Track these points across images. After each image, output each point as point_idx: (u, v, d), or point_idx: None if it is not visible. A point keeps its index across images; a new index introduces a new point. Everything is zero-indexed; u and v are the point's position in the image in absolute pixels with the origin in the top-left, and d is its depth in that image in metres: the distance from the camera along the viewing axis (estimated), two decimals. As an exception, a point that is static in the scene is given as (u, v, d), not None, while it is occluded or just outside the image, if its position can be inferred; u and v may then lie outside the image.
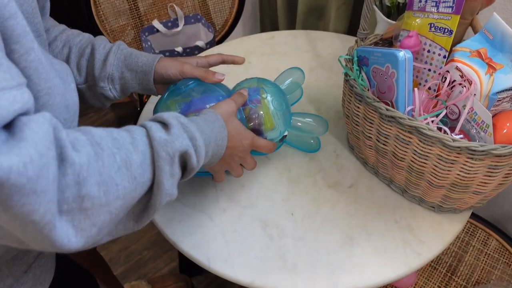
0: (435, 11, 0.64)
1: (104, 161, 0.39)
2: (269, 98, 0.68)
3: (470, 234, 1.04)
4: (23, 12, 0.44)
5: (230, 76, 0.84)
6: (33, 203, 0.32)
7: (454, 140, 0.54)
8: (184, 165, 0.49)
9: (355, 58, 0.67)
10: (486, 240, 1.02)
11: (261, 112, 0.67)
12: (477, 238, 1.03)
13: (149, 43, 1.25)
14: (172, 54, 1.23)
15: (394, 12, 0.84)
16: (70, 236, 0.36)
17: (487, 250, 1.01)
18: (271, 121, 0.67)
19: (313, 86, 0.94)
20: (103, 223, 0.39)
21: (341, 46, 1.04)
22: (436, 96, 0.64)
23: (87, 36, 0.67)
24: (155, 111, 0.68)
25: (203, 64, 0.70)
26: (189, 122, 0.49)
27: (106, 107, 0.72)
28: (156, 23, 1.28)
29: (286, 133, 0.71)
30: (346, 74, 0.67)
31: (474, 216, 1.04)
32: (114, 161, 0.40)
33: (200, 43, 1.24)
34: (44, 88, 0.42)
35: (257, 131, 0.66)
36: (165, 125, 0.47)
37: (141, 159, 0.43)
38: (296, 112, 0.74)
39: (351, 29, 1.16)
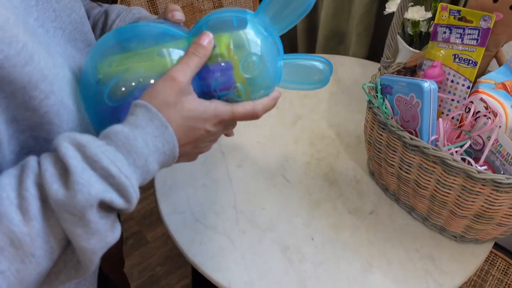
0: (460, 42, 0.65)
1: None
2: (246, 65, 0.45)
3: (490, 263, 1.02)
4: (72, 22, 0.44)
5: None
6: None
7: (479, 172, 0.54)
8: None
9: (379, 86, 0.68)
10: (507, 269, 1.01)
11: (237, 85, 0.45)
12: (497, 268, 1.01)
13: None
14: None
15: (416, 41, 0.85)
16: None
17: (508, 280, 0.99)
18: (252, 88, 0.46)
19: (334, 110, 0.94)
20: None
21: (362, 71, 1.05)
22: (460, 126, 0.65)
23: (105, 7, 0.60)
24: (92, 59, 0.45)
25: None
26: (100, 150, 0.35)
27: None
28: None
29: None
30: (369, 102, 0.68)
31: (494, 245, 1.03)
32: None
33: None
34: (66, 130, 0.40)
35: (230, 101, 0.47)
36: (63, 164, 0.34)
37: (38, 229, 0.33)
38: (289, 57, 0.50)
39: (371, 54, 1.17)
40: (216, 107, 0.44)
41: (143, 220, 1.58)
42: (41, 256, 0.33)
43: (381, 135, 0.67)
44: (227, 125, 0.47)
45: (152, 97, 0.41)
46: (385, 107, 0.66)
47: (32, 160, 0.35)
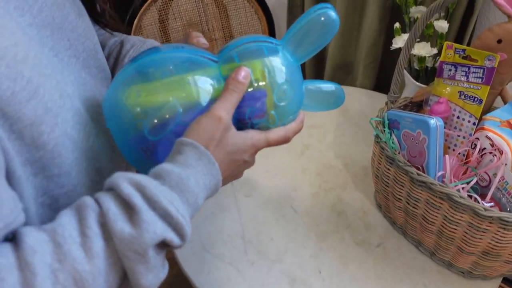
0: (465, 80, 0.67)
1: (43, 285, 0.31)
2: (279, 93, 0.47)
3: (498, 297, 1.01)
4: (85, 50, 0.46)
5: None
6: None
7: (486, 210, 0.55)
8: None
9: (386, 121, 0.69)
10: (515, 304, 0.99)
11: (270, 112, 0.47)
12: (506, 302, 1.00)
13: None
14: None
15: (422, 75, 0.87)
16: None
17: (516, 315, 0.98)
18: (283, 114, 0.48)
19: (341, 141, 0.96)
20: None
21: (369, 102, 1.07)
22: (466, 162, 0.66)
23: (121, 37, 0.63)
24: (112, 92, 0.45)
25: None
26: (157, 190, 0.36)
27: None
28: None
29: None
30: (377, 136, 0.69)
31: (503, 279, 1.02)
32: (56, 282, 0.32)
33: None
34: (72, 160, 0.41)
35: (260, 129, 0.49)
36: (125, 203, 0.35)
37: (100, 268, 0.34)
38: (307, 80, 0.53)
39: (378, 85, 1.19)
40: (253, 137, 0.46)
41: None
42: None
43: (388, 169, 0.68)
44: (253, 159, 0.49)
45: (199, 135, 0.42)
46: (392, 142, 0.68)
47: (88, 200, 0.36)
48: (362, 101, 1.08)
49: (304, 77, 1.50)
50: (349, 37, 1.14)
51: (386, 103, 0.75)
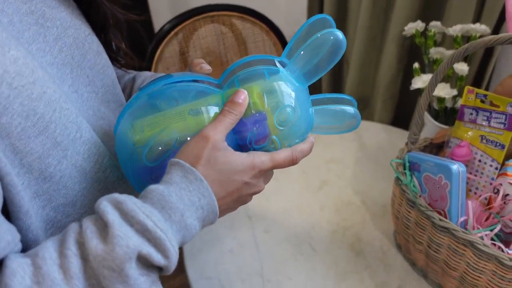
0: (487, 124, 0.67)
1: None
2: (280, 117, 0.46)
3: None
4: (104, 86, 0.49)
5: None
6: None
7: (511, 259, 0.54)
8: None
9: (407, 164, 0.70)
10: None
11: (272, 137, 0.47)
12: None
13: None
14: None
15: (442, 115, 0.88)
16: None
17: None
18: (287, 138, 0.47)
19: (359, 177, 0.96)
20: None
21: (386, 137, 1.08)
22: (489, 208, 0.65)
23: (133, 74, 0.65)
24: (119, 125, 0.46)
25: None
26: (136, 206, 0.36)
27: None
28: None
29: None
30: (397, 178, 0.70)
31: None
32: None
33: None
34: (80, 190, 0.43)
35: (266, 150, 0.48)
36: (102, 221, 0.36)
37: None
38: (315, 99, 0.50)
39: (396, 120, 1.20)
40: (254, 158, 0.44)
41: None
42: None
43: (409, 212, 0.68)
44: (267, 175, 0.47)
45: (186, 155, 0.42)
46: (414, 185, 0.68)
47: (73, 223, 0.37)
48: (380, 137, 1.08)
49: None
50: (367, 73, 1.16)
51: (406, 144, 0.75)
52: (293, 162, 0.47)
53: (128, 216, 0.35)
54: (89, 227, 0.35)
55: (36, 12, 0.41)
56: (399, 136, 1.07)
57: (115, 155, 0.47)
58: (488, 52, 0.93)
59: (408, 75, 1.03)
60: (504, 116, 0.64)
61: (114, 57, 0.57)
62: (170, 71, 1.33)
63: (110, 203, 0.36)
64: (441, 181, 0.63)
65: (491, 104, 0.67)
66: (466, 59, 0.87)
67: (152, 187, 0.39)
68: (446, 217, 0.64)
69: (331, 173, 0.98)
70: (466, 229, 0.62)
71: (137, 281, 0.35)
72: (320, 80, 1.43)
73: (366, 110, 1.24)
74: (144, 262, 0.36)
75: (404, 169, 0.70)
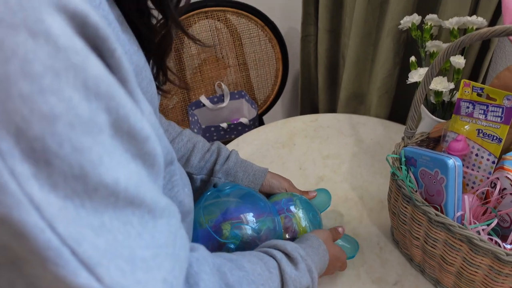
0: (483, 118, 0.66)
1: None
2: (301, 207, 0.71)
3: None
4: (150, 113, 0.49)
5: (275, 158, 0.87)
6: None
7: (507, 254, 0.53)
8: None
9: (403, 158, 0.69)
10: None
11: (296, 221, 0.69)
12: None
13: (195, 117, 1.32)
14: (217, 129, 1.29)
15: (439, 109, 0.87)
16: None
17: None
18: (305, 230, 0.69)
19: (356, 172, 0.95)
20: None
21: (383, 132, 1.07)
22: (486, 202, 0.65)
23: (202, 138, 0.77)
24: None
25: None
26: (306, 254, 0.55)
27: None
28: (203, 99, 1.36)
29: None
30: (393, 174, 0.69)
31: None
32: None
33: (244, 120, 1.30)
34: (186, 184, 0.54)
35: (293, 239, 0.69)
36: (290, 257, 0.53)
37: None
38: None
39: (392, 114, 1.19)
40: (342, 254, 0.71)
41: None
42: None
43: (406, 207, 0.67)
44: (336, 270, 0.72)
45: (317, 233, 0.66)
46: (410, 180, 0.67)
47: (264, 256, 0.53)
48: (377, 132, 1.07)
49: (317, 107, 1.51)
50: (363, 68, 1.15)
51: (403, 138, 0.74)
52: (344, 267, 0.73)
53: (304, 259, 0.55)
54: (283, 258, 0.52)
55: None
56: (396, 131, 1.06)
57: None
58: (485, 45, 0.92)
59: (404, 69, 1.03)
60: (500, 110, 0.64)
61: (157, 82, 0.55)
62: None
63: (293, 247, 0.55)
64: (437, 175, 0.63)
65: (488, 97, 0.66)
66: (463, 52, 0.86)
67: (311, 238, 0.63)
68: (442, 212, 0.63)
69: (327, 168, 0.97)
70: (462, 224, 0.61)
71: None
72: (316, 76, 1.42)
73: (362, 105, 1.24)
74: None
75: (400, 164, 0.69)
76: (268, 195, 0.76)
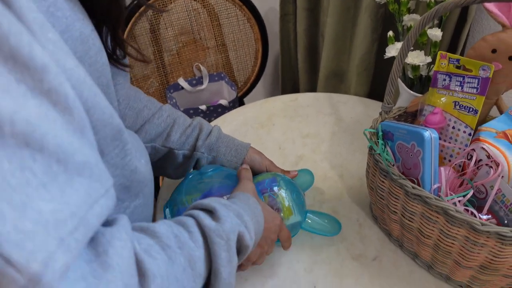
0: (460, 90, 0.66)
1: (175, 265, 0.39)
2: (285, 187, 0.70)
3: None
4: (99, 85, 0.46)
5: (254, 138, 0.86)
6: None
7: (482, 224, 0.53)
8: (238, 248, 0.50)
9: (380, 133, 0.68)
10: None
11: (280, 200, 0.69)
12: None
13: (174, 100, 1.29)
14: (196, 112, 1.27)
15: (417, 83, 0.86)
16: None
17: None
18: (289, 209, 0.69)
19: (336, 151, 0.95)
20: None
21: (363, 110, 1.06)
22: (462, 174, 0.64)
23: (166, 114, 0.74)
24: (172, 200, 0.68)
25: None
26: (231, 203, 0.51)
27: (179, 178, 0.76)
28: (182, 81, 1.33)
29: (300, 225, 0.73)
30: (371, 148, 0.68)
31: None
32: (180, 263, 0.40)
33: (224, 101, 1.28)
34: (142, 155, 0.52)
35: None
36: (209, 211, 0.49)
37: (201, 254, 0.44)
38: (310, 210, 0.75)
39: (372, 92, 1.18)
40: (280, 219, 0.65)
41: None
42: (201, 278, 0.44)
43: (383, 181, 0.66)
44: (276, 236, 0.64)
45: (241, 189, 0.62)
46: (387, 154, 0.66)
47: (182, 218, 0.48)
48: (357, 110, 1.06)
49: (298, 87, 1.50)
50: (342, 46, 1.13)
51: (380, 113, 0.73)
52: (288, 237, 0.68)
53: (226, 206, 0.50)
54: (200, 213, 0.47)
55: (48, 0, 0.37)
56: (376, 109, 1.05)
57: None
58: (462, 18, 0.91)
59: (383, 46, 1.01)
60: (476, 80, 0.63)
61: (114, 55, 0.54)
62: (142, 52, 1.29)
63: (211, 200, 0.50)
64: (414, 148, 0.62)
65: (464, 69, 0.65)
66: (440, 25, 0.86)
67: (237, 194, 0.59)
68: (419, 185, 0.62)
69: (307, 147, 0.96)
70: (439, 196, 0.61)
71: (234, 257, 0.47)
72: (296, 56, 1.40)
73: (342, 85, 1.22)
74: (237, 243, 0.49)
75: (378, 138, 0.68)
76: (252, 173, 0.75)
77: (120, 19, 0.46)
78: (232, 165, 0.75)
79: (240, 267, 0.62)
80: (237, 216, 0.49)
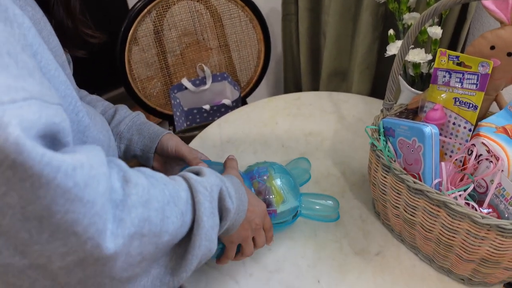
0: (460, 86, 0.67)
1: (157, 192, 0.40)
2: (276, 174, 0.71)
3: (500, 302, 1.00)
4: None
5: (257, 137, 0.87)
6: (77, 211, 0.31)
7: (483, 217, 0.54)
8: (219, 209, 0.50)
9: (382, 129, 0.69)
10: (517, 309, 0.98)
11: (270, 186, 0.70)
12: (508, 307, 0.99)
13: (178, 100, 1.31)
14: (200, 112, 1.28)
15: (418, 81, 0.87)
16: (117, 261, 0.35)
17: (519, 320, 0.97)
18: (280, 194, 0.70)
19: (338, 148, 0.96)
20: (147, 256, 0.39)
21: (365, 108, 1.07)
22: (463, 169, 0.65)
23: (108, 102, 0.75)
24: None
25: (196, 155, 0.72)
26: (215, 173, 0.53)
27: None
28: (185, 81, 1.34)
29: (297, 211, 0.74)
30: (372, 144, 0.69)
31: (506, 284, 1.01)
32: (165, 195, 0.41)
33: (227, 101, 1.29)
34: (98, 122, 0.51)
35: (268, 204, 0.69)
36: (193, 172, 0.52)
37: (186, 196, 0.45)
38: (305, 193, 0.76)
39: (374, 90, 1.19)
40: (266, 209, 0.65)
41: None
42: (184, 221, 0.44)
43: (385, 177, 0.67)
44: (262, 222, 0.63)
45: (227, 174, 0.61)
46: (388, 150, 0.67)
47: (174, 176, 0.49)
48: (359, 108, 1.08)
49: (300, 87, 1.51)
50: (344, 45, 1.15)
51: (382, 111, 0.74)
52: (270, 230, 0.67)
53: (210, 171, 0.52)
54: (185, 172, 0.50)
55: None
56: (378, 107, 1.06)
57: None
58: (462, 16, 0.92)
59: (384, 44, 1.02)
60: (476, 77, 0.64)
61: (69, 38, 0.56)
62: (146, 53, 1.30)
63: (196, 167, 0.53)
64: (415, 144, 0.63)
65: (464, 65, 0.66)
66: (440, 23, 0.86)
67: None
68: (420, 180, 0.63)
69: (310, 145, 0.97)
70: (440, 190, 0.62)
71: (216, 212, 0.48)
72: (298, 55, 1.41)
73: (344, 83, 1.24)
74: (219, 206, 0.50)
75: (379, 135, 0.69)
76: (165, 159, 0.74)
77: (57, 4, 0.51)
78: (145, 154, 0.72)
79: (225, 253, 0.62)
80: (220, 179, 0.51)
